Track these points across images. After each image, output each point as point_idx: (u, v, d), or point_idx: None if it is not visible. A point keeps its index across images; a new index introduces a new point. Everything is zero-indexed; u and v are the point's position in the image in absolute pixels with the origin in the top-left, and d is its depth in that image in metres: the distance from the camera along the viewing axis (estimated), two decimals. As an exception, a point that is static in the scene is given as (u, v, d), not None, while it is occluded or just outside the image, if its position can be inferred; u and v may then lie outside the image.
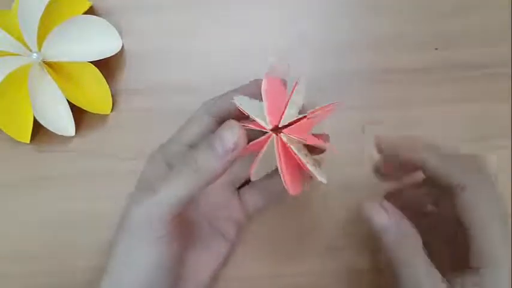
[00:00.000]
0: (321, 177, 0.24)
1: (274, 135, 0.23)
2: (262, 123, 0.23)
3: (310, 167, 0.23)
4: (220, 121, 0.26)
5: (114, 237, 0.24)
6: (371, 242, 0.31)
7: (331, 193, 0.31)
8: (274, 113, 0.23)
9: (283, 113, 0.23)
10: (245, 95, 0.24)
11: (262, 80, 0.23)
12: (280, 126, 0.23)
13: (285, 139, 0.23)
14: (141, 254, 0.23)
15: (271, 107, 0.23)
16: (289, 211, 0.31)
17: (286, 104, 0.23)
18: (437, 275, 0.22)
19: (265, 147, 0.23)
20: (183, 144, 0.26)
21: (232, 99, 0.23)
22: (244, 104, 0.23)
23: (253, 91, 0.25)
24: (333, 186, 0.31)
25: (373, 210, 0.23)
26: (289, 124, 0.23)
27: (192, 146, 0.26)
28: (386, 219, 0.23)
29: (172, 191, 0.23)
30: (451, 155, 0.23)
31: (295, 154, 0.23)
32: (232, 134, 0.22)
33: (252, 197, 0.29)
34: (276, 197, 0.29)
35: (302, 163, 0.23)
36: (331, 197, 0.31)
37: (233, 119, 0.23)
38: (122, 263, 0.23)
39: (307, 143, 0.23)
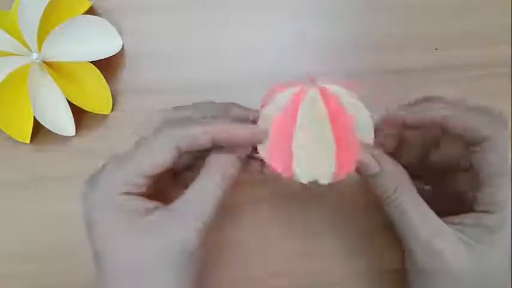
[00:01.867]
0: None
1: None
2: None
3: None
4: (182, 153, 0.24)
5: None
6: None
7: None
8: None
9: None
10: (221, 137, 0.24)
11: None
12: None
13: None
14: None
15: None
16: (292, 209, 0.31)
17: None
18: (426, 206, 0.23)
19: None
20: (145, 175, 0.23)
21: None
22: None
23: (234, 138, 0.24)
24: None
25: (365, 158, 0.24)
26: None
27: (151, 177, 0.24)
28: (377, 166, 0.24)
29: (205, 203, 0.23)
30: (469, 109, 0.23)
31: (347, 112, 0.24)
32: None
33: None
34: None
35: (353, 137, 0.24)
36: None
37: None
38: None
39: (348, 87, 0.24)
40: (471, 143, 0.23)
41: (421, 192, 0.24)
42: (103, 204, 0.23)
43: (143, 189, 0.24)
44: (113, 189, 0.23)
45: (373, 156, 0.24)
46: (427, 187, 0.28)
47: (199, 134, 0.23)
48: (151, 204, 0.24)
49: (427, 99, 0.25)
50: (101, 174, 0.24)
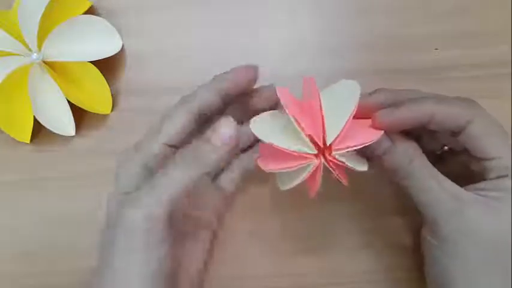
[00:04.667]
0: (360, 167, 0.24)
1: (320, 159, 0.23)
2: (306, 150, 0.23)
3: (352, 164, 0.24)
4: (200, 118, 0.26)
5: (102, 249, 0.24)
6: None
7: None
8: (313, 128, 0.23)
9: (323, 126, 0.22)
10: (224, 87, 0.26)
11: (240, 70, 0.26)
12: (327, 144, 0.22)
13: (336, 158, 0.23)
14: (142, 263, 0.23)
15: (307, 123, 0.23)
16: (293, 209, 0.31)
17: (322, 116, 0.22)
18: (440, 174, 0.23)
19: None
20: (162, 144, 0.25)
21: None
22: (263, 129, 0.24)
23: (234, 81, 0.26)
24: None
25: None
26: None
27: (172, 147, 0.26)
28: (388, 140, 0.24)
29: (172, 185, 0.23)
30: (448, 98, 0.25)
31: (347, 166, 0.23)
32: (228, 128, 0.23)
33: (226, 183, 0.30)
34: (248, 172, 0.31)
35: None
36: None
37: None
38: (118, 279, 0.23)
39: (361, 145, 0.22)
40: (455, 132, 0.24)
41: None
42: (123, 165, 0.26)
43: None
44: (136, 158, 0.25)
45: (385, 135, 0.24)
46: None
47: (205, 93, 0.26)
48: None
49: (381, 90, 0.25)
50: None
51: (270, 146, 0.23)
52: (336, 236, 0.31)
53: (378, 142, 0.23)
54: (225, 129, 0.23)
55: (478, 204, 0.23)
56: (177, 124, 0.26)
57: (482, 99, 0.32)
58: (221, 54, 0.34)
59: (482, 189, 0.23)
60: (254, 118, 0.25)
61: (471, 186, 0.24)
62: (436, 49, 0.33)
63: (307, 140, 0.22)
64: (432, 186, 0.23)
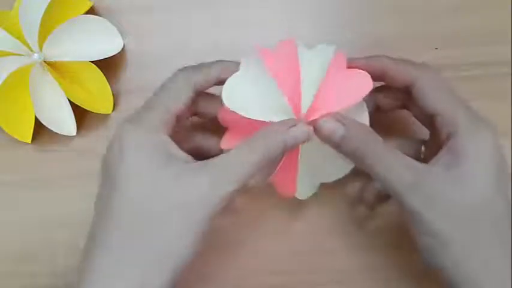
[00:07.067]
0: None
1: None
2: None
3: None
4: (197, 94, 0.26)
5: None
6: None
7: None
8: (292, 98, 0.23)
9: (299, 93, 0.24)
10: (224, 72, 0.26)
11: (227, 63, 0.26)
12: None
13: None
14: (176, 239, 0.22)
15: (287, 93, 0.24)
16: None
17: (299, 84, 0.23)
18: (396, 150, 0.24)
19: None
20: (172, 113, 0.25)
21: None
22: (237, 98, 0.24)
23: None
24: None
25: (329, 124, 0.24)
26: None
27: (175, 116, 0.25)
28: (341, 128, 0.24)
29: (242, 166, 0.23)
30: (404, 59, 0.27)
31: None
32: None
33: None
34: None
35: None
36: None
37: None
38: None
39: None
40: (407, 86, 0.26)
41: None
42: (142, 142, 0.23)
43: (171, 131, 0.25)
44: (153, 128, 0.24)
45: (335, 118, 0.24)
46: None
47: (209, 70, 0.26)
48: (186, 155, 0.24)
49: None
50: (138, 115, 0.25)
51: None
52: (336, 233, 0.31)
53: (332, 131, 0.24)
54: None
55: (438, 175, 0.23)
56: (175, 99, 0.25)
57: (482, 99, 0.32)
58: (221, 54, 0.34)
59: (440, 158, 0.24)
60: (226, 84, 0.25)
61: (434, 159, 0.24)
62: (436, 48, 0.33)
63: (289, 107, 0.23)
64: (389, 164, 0.23)
